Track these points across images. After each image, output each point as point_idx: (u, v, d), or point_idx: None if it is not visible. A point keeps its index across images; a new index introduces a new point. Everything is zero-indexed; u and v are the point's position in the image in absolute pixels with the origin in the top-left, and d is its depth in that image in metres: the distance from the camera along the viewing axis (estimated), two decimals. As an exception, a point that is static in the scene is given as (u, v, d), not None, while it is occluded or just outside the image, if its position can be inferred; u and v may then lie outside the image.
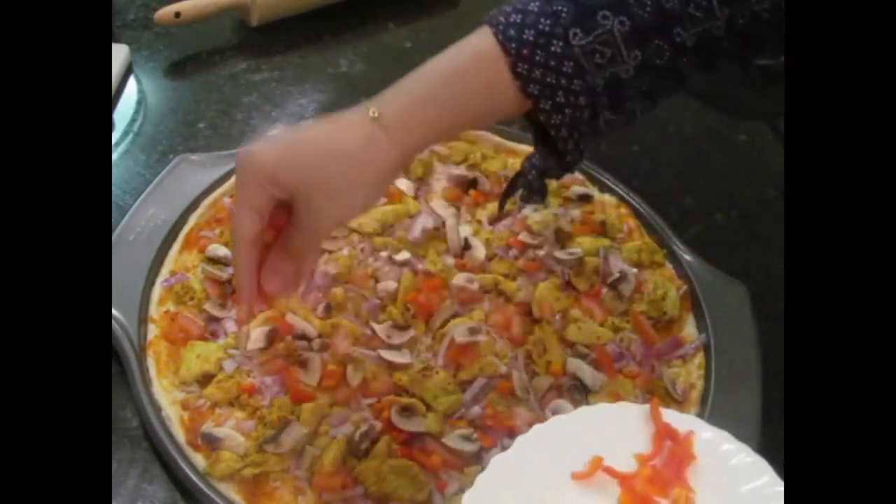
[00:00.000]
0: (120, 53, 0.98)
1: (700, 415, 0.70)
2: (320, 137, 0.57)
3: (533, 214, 0.83)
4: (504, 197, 0.73)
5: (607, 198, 0.87)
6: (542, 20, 0.57)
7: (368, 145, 0.56)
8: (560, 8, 0.57)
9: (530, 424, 0.68)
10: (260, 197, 0.55)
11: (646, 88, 0.59)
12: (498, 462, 0.57)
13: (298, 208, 0.56)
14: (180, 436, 0.65)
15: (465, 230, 0.81)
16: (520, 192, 0.71)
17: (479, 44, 0.59)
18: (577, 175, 0.89)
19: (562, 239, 0.81)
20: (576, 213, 0.84)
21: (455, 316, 0.74)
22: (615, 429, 0.59)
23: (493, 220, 0.82)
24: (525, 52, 0.57)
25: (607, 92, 0.58)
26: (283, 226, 0.58)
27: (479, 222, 0.83)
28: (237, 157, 0.56)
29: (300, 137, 0.58)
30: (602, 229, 0.83)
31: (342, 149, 0.56)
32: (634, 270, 0.79)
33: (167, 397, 0.67)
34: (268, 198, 0.55)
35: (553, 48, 0.57)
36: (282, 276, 0.59)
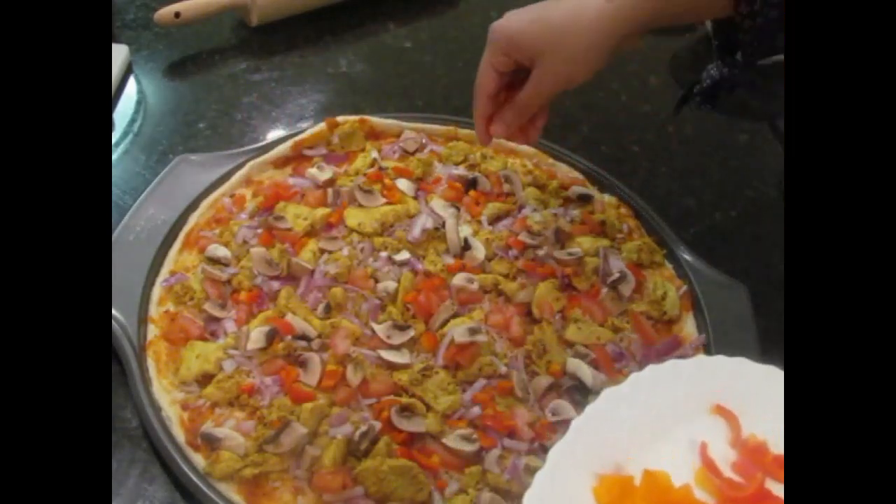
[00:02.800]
0: (120, 53, 0.98)
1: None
2: (560, 12, 0.69)
3: (533, 215, 0.83)
4: (679, 104, 0.80)
5: (607, 198, 0.87)
6: None
7: (599, 22, 0.68)
8: None
9: (530, 424, 0.68)
10: (501, 59, 0.70)
11: None
12: (609, 395, 0.60)
13: (537, 68, 0.69)
14: (180, 436, 0.65)
15: (465, 230, 0.81)
16: (696, 98, 0.79)
17: None
18: (577, 175, 0.89)
19: (562, 239, 0.81)
20: (576, 213, 0.84)
21: (455, 316, 0.74)
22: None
23: (676, 114, 0.85)
24: None
25: None
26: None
27: (480, 222, 0.83)
28: (490, 27, 0.70)
29: (542, 12, 0.70)
30: (602, 229, 0.83)
31: (576, 22, 0.68)
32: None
33: (167, 397, 0.67)
34: (509, 61, 0.70)
35: None
36: (506, 124, 0.74)
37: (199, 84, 1.00)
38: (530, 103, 0.72)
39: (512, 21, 0.69)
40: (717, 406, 0.60)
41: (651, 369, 0.61)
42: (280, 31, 1.07)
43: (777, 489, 0.56)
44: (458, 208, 0.83)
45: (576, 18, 0.68)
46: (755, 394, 0.60)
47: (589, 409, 0.58)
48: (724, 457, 0.57)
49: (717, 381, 0.61)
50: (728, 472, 0.57)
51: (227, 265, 0.76)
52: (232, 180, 0.83)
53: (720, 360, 0.63)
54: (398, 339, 0.71)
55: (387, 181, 0.84)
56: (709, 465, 0.57)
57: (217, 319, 0.73)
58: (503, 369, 0.71)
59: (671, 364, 0.61)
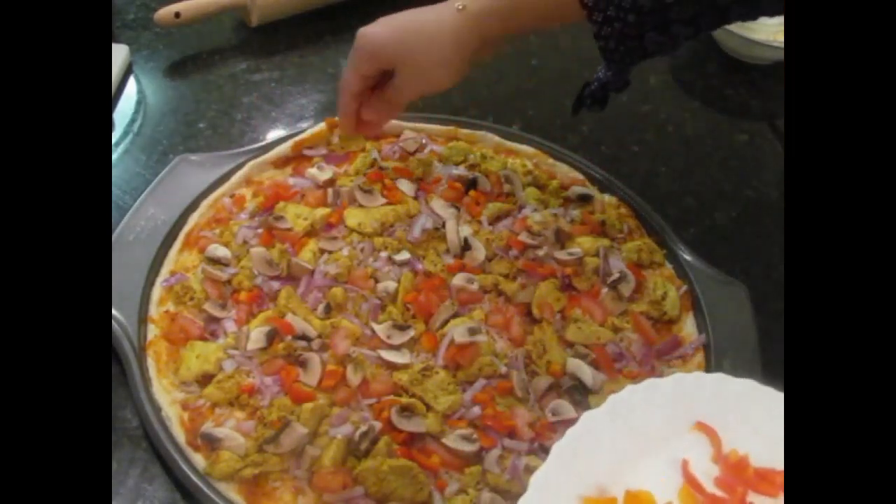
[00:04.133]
0: (120, 53, 0.98)
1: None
2: (419, 24, 0.71)
3: (533, 215, 0.83)
4: (575, 106, 0.79)
5: (607, 198, 0.87)
6: None
7: (455, 32, 0.70)
8: None
9: (530, 424, 0.68)
10: (367, 66, 0.72)
11: (688, 16, 0.67)
12: (589, 418, 0.59)
13: (398, 77, 0.72)
14: (180, 436, 0.65)
15: (466, 230, 0.81)
16: (586, 102, 0.79)
17: None
18: (577, 175, 0.89)
19: (562, 239, 0.81)
20: (576, 213, 0.84)
21: (455, 316, 0.74)
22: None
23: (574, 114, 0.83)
24: None
25: (652, 14, 0.66)
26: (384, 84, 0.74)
27: (480, 222, 0.83)
28: (357, 34, 0.71)
29: (404, 23, 0.72)
30: (602, 229, 0.83)
31: (433, 34, 0.71)
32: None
33: (167, 397, 0.67)
34: (372, 66, 0.72)
35: None
36: (377, 111, 0.76)
37: (199, 84, 1.00)
38: (397, 103, 0.75)
39: (377, 30, 0.71)
40: (697, 423, 0.60)
41: (629, 390, 0.60)
42: (280, 31, 1.07)
43: (759, 502, 0.56)
44: (458, 208, 0.83)
45: (433, 30, 0.71)
46: (735, 409, 0.60)
47: (569, 432, 0.58)
48: (707, 473, 0.57)
49: (696, 398, 0.61)
50: (711, 488, 0.56)
51: (227, 265, 0.76)
52: (232, 180, 0.83)
53: (699, 376, 0.63)
54: (398, 339, 0.71)
55: (387, 181, 0.84)
56: (691, 482, 0.57)
57: (217, 319, 0.73)
58: (503, 369, 0.71)
59: (649, 383, 0.61)
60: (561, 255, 0.79)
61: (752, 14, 0.69)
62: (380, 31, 0.71)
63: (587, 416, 0.59)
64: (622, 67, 0.73)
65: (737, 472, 0.57)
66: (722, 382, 0.62)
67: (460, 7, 0.70)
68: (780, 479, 0.56)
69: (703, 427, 0.59)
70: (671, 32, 0.68)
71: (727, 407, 0.60)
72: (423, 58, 0.71)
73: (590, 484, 0.56)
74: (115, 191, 0.85)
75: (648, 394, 0.60)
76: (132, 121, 0.94)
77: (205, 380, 0.69)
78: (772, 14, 0.70)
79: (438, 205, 0.83)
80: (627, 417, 0.59)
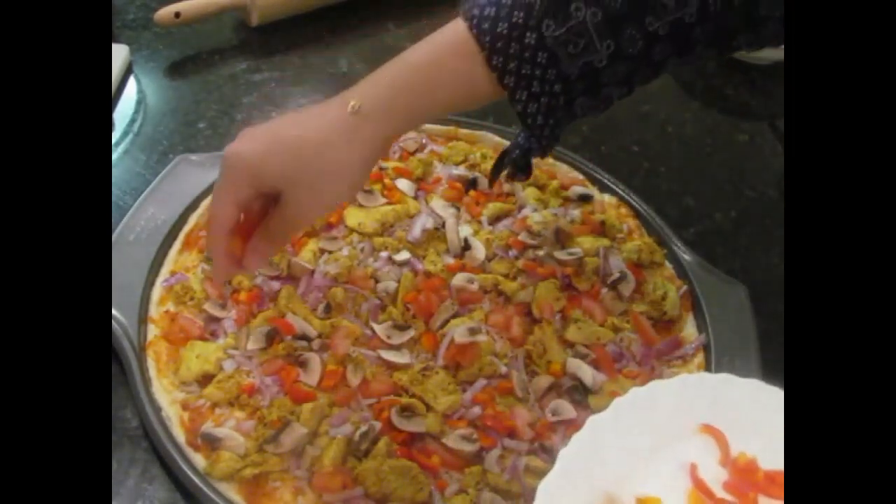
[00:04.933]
0: (120, 53, 0.98)
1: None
2: (302, 131, 0.58)
3: (533, 214, 0.83)
4: (493, 174, 0.74)
5: (607, 198, 0.87)
6: (516, 12, 0.58)
7: (349, 136, 0.58)
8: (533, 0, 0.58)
9: (530, 424, 0.68)
10: (244, 192, 0.58)
11: (621, 76, 0.60)
12: (594, 423, 0.58)
13: (283, 200, 0.58)
14: (180, 436, 0.65)
15: (465, 230, 0.81)
16: (506, 170, 0.72)
17: (455, 36, 0.60)
18: (577, 175, 0.89)
19: (562, 239, 0.81)
20: (576, 213, 0.84)
21: (455, 316, 0.74)
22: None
23: (490, 186, 0.82)
24: (499, 44, 0.58)
25: (582, 80, 0.60)
26: (263, 213, 0.61)
27: (480, 222, 0.83)
28: (224, 154, 0.58)
29: (282, 132, 0.59)
30: (602, 229, 0.83)
31: (324, 141, 0.58)
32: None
33: (167, 397, 0.67)
34: (251, 192, 0.58)
35: (527, 40, 0.58)
36: (262, 255, 0.61)
37: (199, 84, 1.00)
38: (284, 233, 0.62)
39: (249, 147, 0.57)
40: (703, 425, 0.59)
41: (633, 392, 0.60)
42: (280, 31, 1.07)
43: None
44: (458, 208, 0.83)
45: (322, 138, 0.58)
46: (742, 410, 0.59)
47: (574, 438, 0.57)
48: (715, 477, 0.57)
49: (702, 399, 0.60)
50: (720, 493, 0.56)
51: (227, 265, 0.76)
52: (232, 180, 0.83)
53: (703, 377, 0.63)
54: (398, 339, 0.71)
55: (387, 181, 0.84)
56: (700, 486, 0.56)
57: (217, 319, 0.73)
58: (503, 369, 0.71)
59: (653, 385, 0.61)
60: (561, 255, 0.79)
61: (689, 60, 0.62)
62: (256, 146, 0.57)
63: (592, 421, 0.58)
64: (550, 139, 0.64)
65: (746, 475, 0.57)
66: (727, 383, 0.62)
67: (354, 108, 0.58)
68: None
69: (709, 429, 0.59)
70: (602, 95, 0.61)
71: (733, 408, 0.60)
72: (315, 173, 0.57)
73: (598, 491, 0.56)
74: (115, 191, 0.84)
75: (653, 396, 0.60)
76: (132, 121, 0.94)
77: (205, 380, 0.69)
78: (704, 59, 0.64)
79: (438, 205, 0.83)
80: (632, 421, 0.59)
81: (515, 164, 0.70)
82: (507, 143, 0.91)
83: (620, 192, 0.88)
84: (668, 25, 0.58)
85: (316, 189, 0.58)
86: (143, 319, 0.72)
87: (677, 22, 0.59)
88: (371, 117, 0.59)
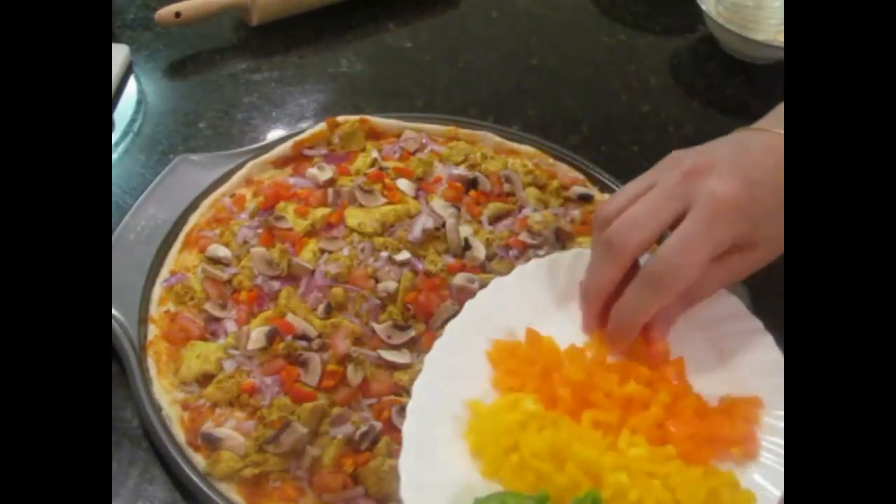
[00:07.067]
0: (120, 53, 0.98)
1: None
2: (767, 158, 0.59)
3: (533, 214, 0.83)
4: None
5: (607, 198, 0.87)
6: None
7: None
8: None
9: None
10: (726, 239, 0.58)
11: None
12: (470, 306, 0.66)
13: (753, 242, 0.58)
14: (180, 436, 0.65)
15: (466, 230, 0.81)
16: None
17: None
18: (577, 175, 0.89)
19: (562, 239, 0.80)
20: (576, 213, 0.84)
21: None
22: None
23: None
24: None
25: None
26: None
27: (480, 222, 0.82)
28: (706, 195, 0.57)
29: (749, 169, 0.58)
30: (602, 229, 0.83)
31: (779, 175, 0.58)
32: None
33: (167, 397, 0.67)
34: (728, 242, 0.57)
35: None
36: (669, 324, 0.62)
37: (199, 84, 1.00)
38: (745, 275, 0.60)
39: (731, 187, 0.56)
40: None
41: (535, 262, 0.69)
42: (280, 31, 1.07)
43: None
44: (458, 208, 0.83)
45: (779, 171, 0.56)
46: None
47: (480, 292, 0.67)
48: None
49: None
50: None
51: (227, 265, 0.76)
52: (232, 180, 0.83)
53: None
54: (399, 338, 0.71)
55: (387, 181, 0.84)
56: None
57: (217, 319, 0.73)
58: (503, 369, 0.71)
59: (552, 257, 0.69)
60: (561, 255, 0.79)
61: None
62: (735, 188, 0.55)
63: (496, 282, 0.67)
64: None
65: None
66: None
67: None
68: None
69: None
70: None
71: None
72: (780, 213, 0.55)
73: (498, 332, 0.64)
74: (115, 190, 0.85)
75: (552, 265, 0.69)
76: (132, 121, 0.94)
77: (205, 380, 0.69)
78: None
79: (439, 205, 0.83)
80: (533, 283, 0.68)
81: None
82: (507, 142, 0.91)
83: (620, 192, 0.88)
84: None
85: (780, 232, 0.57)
86: (143, 319, 0.72)
87: None
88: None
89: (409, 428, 0.57)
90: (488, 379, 0.62)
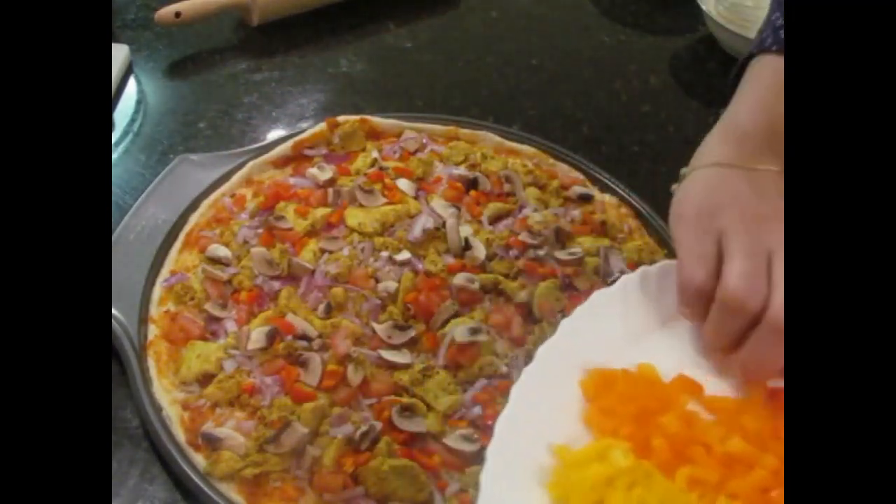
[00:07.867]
0: (120, 53, 0.98)
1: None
2: None
3: (533, 214, 0.83)
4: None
5: (607, 198, 0.87)
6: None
7: None
8: None
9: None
10: None
11: None
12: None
13: None
14: (180, 436, 0.65)
15: (466, 230, 0.81)
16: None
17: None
18: (577, 175, 0.89)
19: (562, 239, 0.81)
20: (576, 213, 0.84)
21: (455, 316, 0.74)
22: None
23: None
24: None
25: None
26: None
27: (480, 222, 0.83)
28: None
29: None
30: (602, 229, 0.83)
31: None
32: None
33: (167, 397, 0.67)
34: None
35: None
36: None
37: (199, 84, 1.00)
38: None
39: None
40: None
41: (642, 271, 0.63)
42: (280, 31, 1.07)
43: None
44: (458, 208, 0.83)
45: None
46: None
47: (577, 308, 0.60)
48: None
49: None
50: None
51: (227, 265, 0.76)
52: (232, 180, 0.83)
53: None
54: (399, 338, 0.71)
55: (387, 181, 0.84)
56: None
57: (217, 319, 0.73)
58: (504, 369, 0.71)
59: (661, 265, 0.63)
60: (561, 254, 0.79)
61: None
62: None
63: (598, 294, 0.61)
64: None
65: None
66: None
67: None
68: None
69: None
70: None
71: None
72: None
73: (594, 357, 0.58)
74: (115, 191, 0.85)
75: (661, 275, 0.62)
76: (132, 121, 0.94)
77: (205, 380, 0.69)
78: None
79: (439, 205, 0.83)
80: (638, 296, 0.61)
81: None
82: (507, 142, 0.91)
83: (621, 192, 0.88)
84: None
85: None
86: (143, 319, 0.72)
87: None
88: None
89: (487, 474, 0.52)
90: (580, 414, 0.56)
